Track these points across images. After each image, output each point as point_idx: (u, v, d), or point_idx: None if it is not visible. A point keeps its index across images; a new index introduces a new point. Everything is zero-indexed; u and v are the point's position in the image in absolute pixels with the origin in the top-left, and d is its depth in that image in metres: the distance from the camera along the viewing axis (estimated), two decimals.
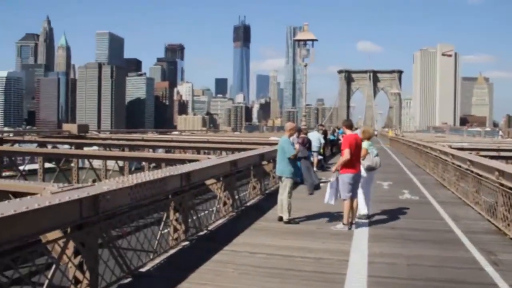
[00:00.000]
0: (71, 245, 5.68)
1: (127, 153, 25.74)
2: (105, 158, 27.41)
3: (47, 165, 31.99)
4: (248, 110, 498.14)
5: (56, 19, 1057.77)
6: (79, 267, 5.79)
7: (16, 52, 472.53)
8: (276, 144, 17.60)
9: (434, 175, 20.44)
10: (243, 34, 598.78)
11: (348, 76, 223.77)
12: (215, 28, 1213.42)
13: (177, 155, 22.47)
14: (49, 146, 30.68)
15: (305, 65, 28.68)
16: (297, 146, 11.22)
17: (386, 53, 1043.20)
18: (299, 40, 28.67)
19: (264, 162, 15.67)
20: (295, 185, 11.23)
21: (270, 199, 13.20)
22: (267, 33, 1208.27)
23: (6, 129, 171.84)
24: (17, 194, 6.57)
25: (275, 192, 12.09)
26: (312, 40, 27.96)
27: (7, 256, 4.76)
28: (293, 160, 10.59)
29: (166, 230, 8.53)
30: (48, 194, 5.54)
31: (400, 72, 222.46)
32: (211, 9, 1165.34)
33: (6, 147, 26.95)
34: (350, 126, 10.44)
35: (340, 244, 8.73)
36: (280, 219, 10.58)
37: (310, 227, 10.22)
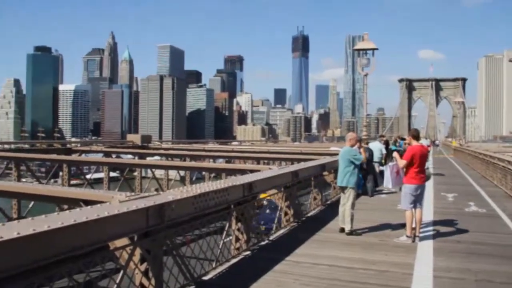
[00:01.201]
0: (138, 252, 5.83)
1: (188, 163, 26.21)
2: (167, 167, 28.03)
3: (111, 174, 33.05)
4: (308, 120, 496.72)
5: (120, 34, 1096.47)
6: (145, 273, 5.93)
7: (83, 66, 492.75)
8: (337, 154, 17.51)
9: (502, 187, 19.64)
10: (301, 45, 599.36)
11: (409, 85, 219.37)
12: (273, 39, 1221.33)
13: (237, 165, 22.70)
14: (113, 156, 31.69)
15: (365, 75, 28.32)
16: (362, 150, 11.09)
17: (449, 61, 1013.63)
18: (359, 50, 28.37)
19: (325, 173, 15.57)
20: (357, 196, 11.09)
21: (331, 210, 13.09)
22: (325, 43, 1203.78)
23: (73, 139, 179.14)
24: (88, 202, 6.81)
25: (336, 202, 11.98)
26: (373, 49, 27.61)
27: (78, 260, 4.94)
28: (357, 171, 10.47)
29: (227, 239, 8.62)
30: (116, 202, 5.72)
31: (464, 80, 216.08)
32: (270, 20, 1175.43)
33: (74, 156, 27.99)
34: (416, 136, 10.16)
35: (404, 257, 8.52)
36: (342, 230, 10.46)
37: (372, 239, 10.04)
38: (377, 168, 21.41)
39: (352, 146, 10.84)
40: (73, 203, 7.67)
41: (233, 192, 7.99)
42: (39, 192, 8.66)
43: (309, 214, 13.18)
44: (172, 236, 6.62)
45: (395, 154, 10.58)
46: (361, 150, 11.08)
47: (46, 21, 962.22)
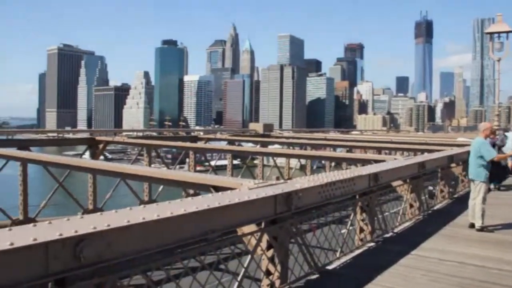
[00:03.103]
0: (265, 238, 5.98)
1: (309, 152, 26.24)
2: (288, 156, 28.23)
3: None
4: (431, 109, 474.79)
5: (241, 25, 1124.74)
6: (271, 260, 6.07)
7: (206, 58, 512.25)
8: (465, 145, 16.63)
9: None
10: (425, 30, 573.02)
11: None
12: (395, 25, 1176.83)
13: (358, 155, 22.37)
14: (236, 144, 32.54)
15: (498, 60, 26.57)
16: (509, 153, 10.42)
17: None
18: (491, 33, 26.63)
19: (453, 165, 14.85)
20: (488, 190, 10.46)
21: (459, 204, 12.49)
22: (451, 28, 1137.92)
23: (197, 128, 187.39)
24: (217, 188, 7.10)
25: (465, 196, 11.40)
26: (507, 32, 25.78)
27: (210, 244, 5.17)
28: (489, 163, 9.86)
29: (351, 228, 8.56)
30: (245, 189, 5.90)
31: None
32: (391, 6, 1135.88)
33: (200, 144, 29.12)
34: None
35: None
36: (472, 225, 9.94)
37: (506, 236, 9.41)
38: (511, 161, 20.00)
39: (486, 137, 10.21)
40: (203, 188, 8.03)
41: (359, 182, 7.90)
42: (173, 177, 9.15)
43: (435, 207, 12.69)
44: (298, 224, 6.71)
45: None
46: (508, 153, 10.39)
47: (172, 15, 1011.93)
